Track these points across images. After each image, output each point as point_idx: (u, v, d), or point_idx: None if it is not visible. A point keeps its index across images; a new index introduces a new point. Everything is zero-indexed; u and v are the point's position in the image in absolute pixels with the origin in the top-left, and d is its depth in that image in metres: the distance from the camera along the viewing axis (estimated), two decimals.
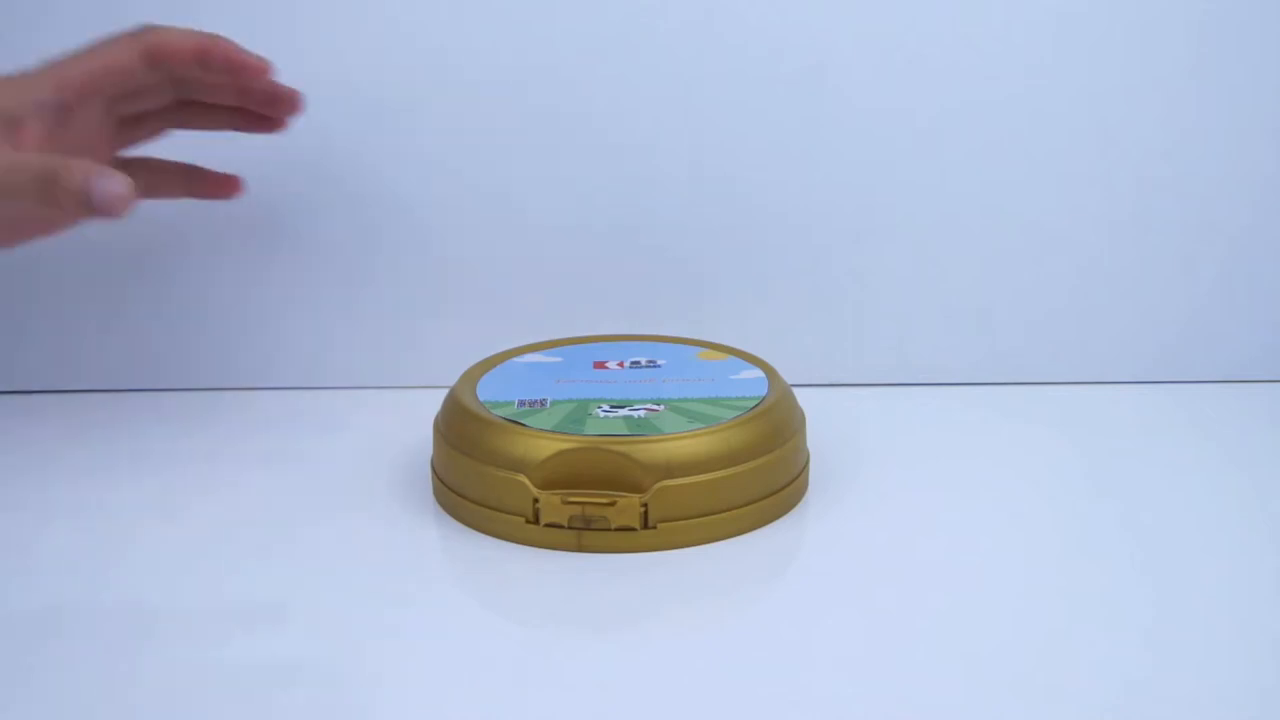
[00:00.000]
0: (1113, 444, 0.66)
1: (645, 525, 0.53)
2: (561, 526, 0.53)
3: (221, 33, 0.59)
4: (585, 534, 0.53)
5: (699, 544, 0.54)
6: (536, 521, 0.53)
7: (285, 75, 0.61)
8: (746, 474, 0.55)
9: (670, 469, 0.53)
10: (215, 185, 0.65)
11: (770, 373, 0.61)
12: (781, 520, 0.56)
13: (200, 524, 0.56)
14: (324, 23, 0.69)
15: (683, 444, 0.54)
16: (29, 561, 0.53)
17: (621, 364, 0.62)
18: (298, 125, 0.64)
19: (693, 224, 0.72)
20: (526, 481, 0.53)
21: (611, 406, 0.57)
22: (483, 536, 0.55)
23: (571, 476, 0.53)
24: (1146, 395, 0.73)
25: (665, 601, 0.50)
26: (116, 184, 0.51)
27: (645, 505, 0.53)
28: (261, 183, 0.69)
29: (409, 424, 0.65)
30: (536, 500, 0.53)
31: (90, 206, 0.50)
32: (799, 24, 0.70)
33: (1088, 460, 0.64)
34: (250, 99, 0.62)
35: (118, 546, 0.54)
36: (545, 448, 0.54)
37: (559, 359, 0.62)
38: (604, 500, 0.53)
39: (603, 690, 0.44)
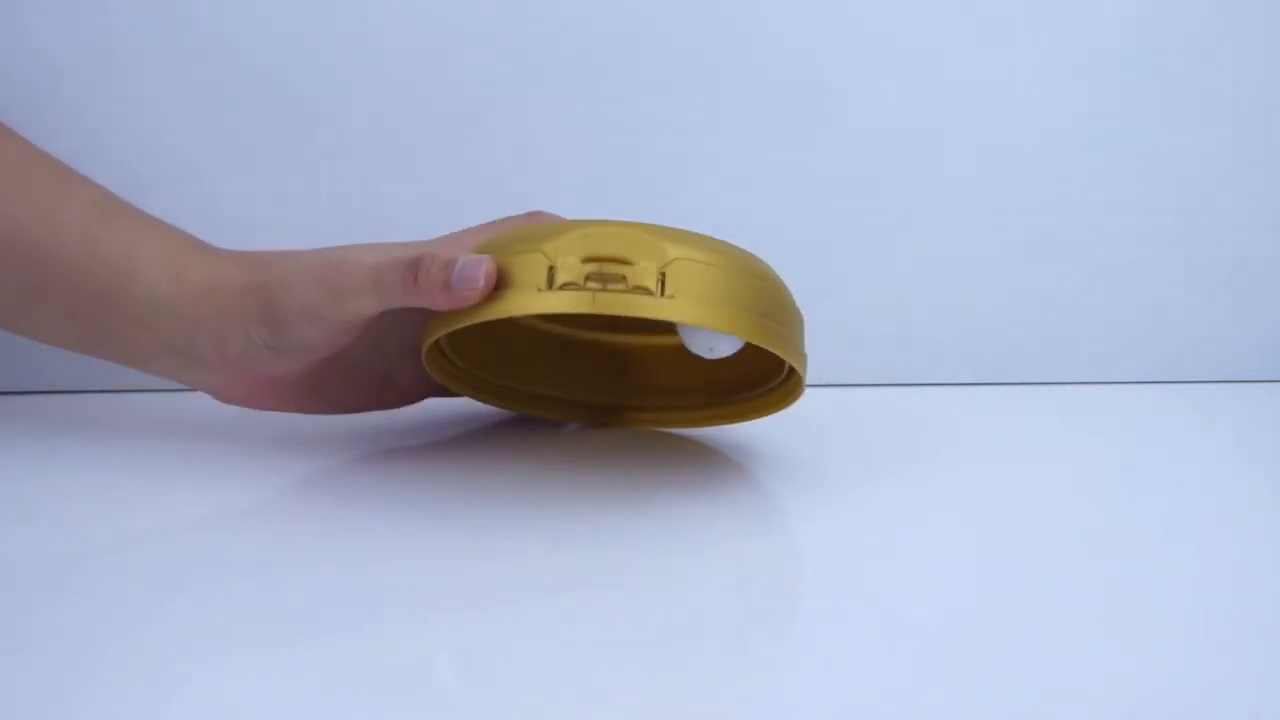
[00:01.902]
0: (1113, 444, 0.66)
1: (662, 292, 0.53)
2: (577, 286, 0.52)
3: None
4: (600, 295, 0.52)
5: (710, 328, 0.53)
6: (551, 286, 0.52)
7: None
8: (756, 285, 0.55)
9: (687, 251, 0.53)
10: None
11: None
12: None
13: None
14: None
15: (698, 239, 0.54)
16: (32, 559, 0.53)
17: None
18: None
19: (691, 225, 0.72)
20: (543, 255, 0.53)
21: None
22: None
23: (589, 249, 0.53)
24: (1146, 395, 0.73)
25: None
26: (475, 267, 0.52)
27: (663, 273, 0.53)
28: (266, 189, 0.70)
29: None
30: (552, 267, 0.52)
31: (448, 288, 0.52)
32: (800, 23, 0.70)
33: (1087, 460, 0.64)
34: None
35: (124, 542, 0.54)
36: (564, 229, 0.53)
37: None
38: (622, 261, 0.52)
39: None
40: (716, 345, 0.56)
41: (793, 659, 0.46)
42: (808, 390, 0.60)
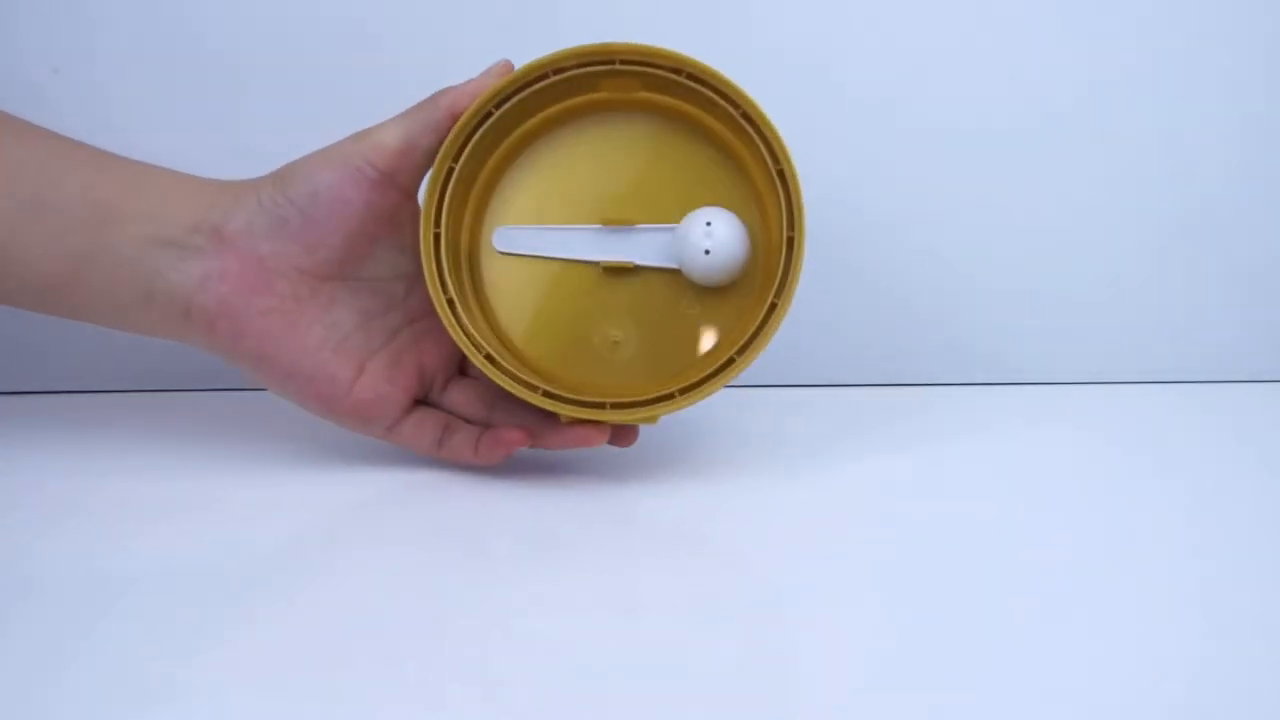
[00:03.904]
0: (1113, 444, 0.66)
1: None
2: None
3: None
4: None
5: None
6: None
7: None
8: None
9: None
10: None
11: None
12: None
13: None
14: None
15: None
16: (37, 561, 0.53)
17: None
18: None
19: None
20: None
21: None
22: None
23: None
24: (1146, 395, 0.73)
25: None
26: (490, 68, 0.58)
27: None
28: None
29: None
30: None
31: (468, 85, 0.58)
32: (800, 23, 0.70)
33: (1087, 461, 0.64)
34: None
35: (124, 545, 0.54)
36: None
37: None
38: None
39: None
40: (714, 248, 0.57)
41: (784, 654, 0.46)
42: (808, 390, 0.60)
